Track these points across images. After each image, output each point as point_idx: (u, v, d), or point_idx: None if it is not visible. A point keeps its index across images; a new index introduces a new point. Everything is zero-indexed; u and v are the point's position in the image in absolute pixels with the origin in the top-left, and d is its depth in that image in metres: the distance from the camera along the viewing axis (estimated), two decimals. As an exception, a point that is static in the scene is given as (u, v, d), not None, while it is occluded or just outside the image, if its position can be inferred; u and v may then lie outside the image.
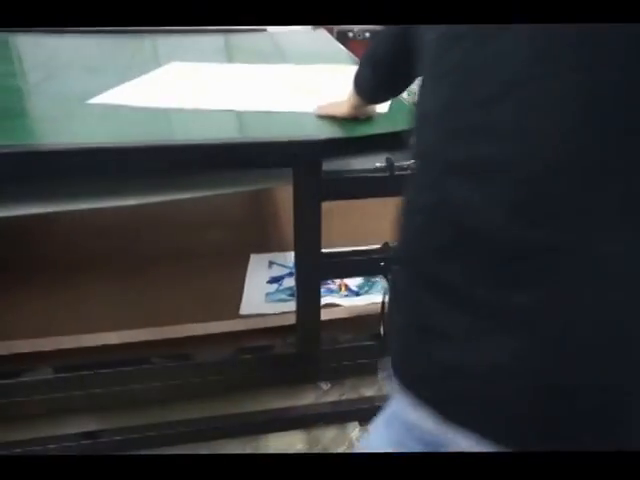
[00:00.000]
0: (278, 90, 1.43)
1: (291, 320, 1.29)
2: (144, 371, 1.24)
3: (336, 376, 1.50)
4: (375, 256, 1.20)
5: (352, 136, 1.06)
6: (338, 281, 1.54)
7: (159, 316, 1.39)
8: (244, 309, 1.44)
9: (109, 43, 1.78)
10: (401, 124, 1.13)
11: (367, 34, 2.04)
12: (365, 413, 1.46)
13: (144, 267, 1.62)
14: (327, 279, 1.19)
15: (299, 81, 1.53)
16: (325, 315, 1.26)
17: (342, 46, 1.91)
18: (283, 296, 1.52)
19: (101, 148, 0.95)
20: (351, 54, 1.83)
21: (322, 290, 1.50)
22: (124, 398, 1.26)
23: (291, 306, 1.34)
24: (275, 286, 1.54)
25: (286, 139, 0.99)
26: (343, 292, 1.53)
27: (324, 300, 1.47)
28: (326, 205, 1.07)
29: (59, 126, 1.11)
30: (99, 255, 1.68)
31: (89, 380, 1.21)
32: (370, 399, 1.53)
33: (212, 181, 1.06)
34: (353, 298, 1.50)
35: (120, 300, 1.48)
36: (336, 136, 1.03)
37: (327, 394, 1.59)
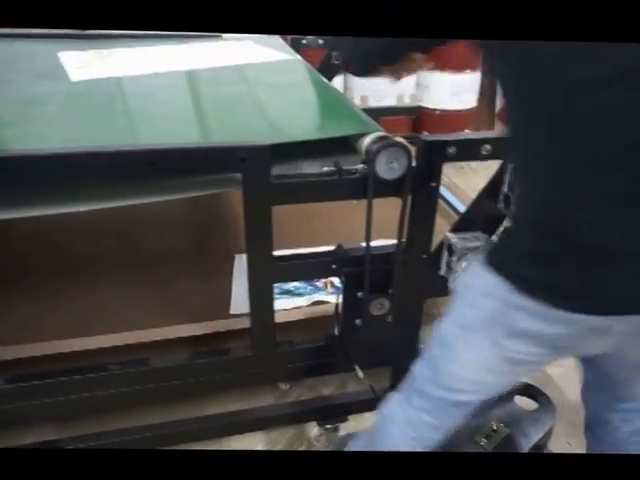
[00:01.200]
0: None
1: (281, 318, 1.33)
2: (102, 378, 1.24)
3: (295, 376, 1.53)
4: (328, 258, 1.22)
5: (300, 141, 1.08)
6: (324, 279, 1.59)
7: (122, 321, 1.39)
8: (234, 309, 1.47)
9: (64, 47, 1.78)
10: (348, 130, 1.17)
11: (320, 41, 2.07)
12: (323, 412, 1.50)
13: (117, 271, 1.62)
14: (280, 282, 1.21)
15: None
16: (280, 317, 1.28)
17: (294, 51, 1.94)
18: None
19: (56, 154, 0.96)
20: (303, 60, 1.85)
21: (309, 288, 1.57)
22: (83, 406, 1.26)
23: (279, 304, 1.38)
24: None
25: (234, 144, 1.00)
26: (329, 289, 1.58)
27: (313, 298, 1.53)
28: (283, 208, 1.10)
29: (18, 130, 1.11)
30: (62, 261, 1.67)
31: (46, 389, 1.20)
32: (328, 398, 1.56)
33: (171, 185, 1.07)
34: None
35: (87, 306, 1.48)
36: (284, 141, 1.05)
37: (287, 395, 1.62)
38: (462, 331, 0.86)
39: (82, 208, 1.04)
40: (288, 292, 1.57)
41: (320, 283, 1.59)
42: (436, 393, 0.91)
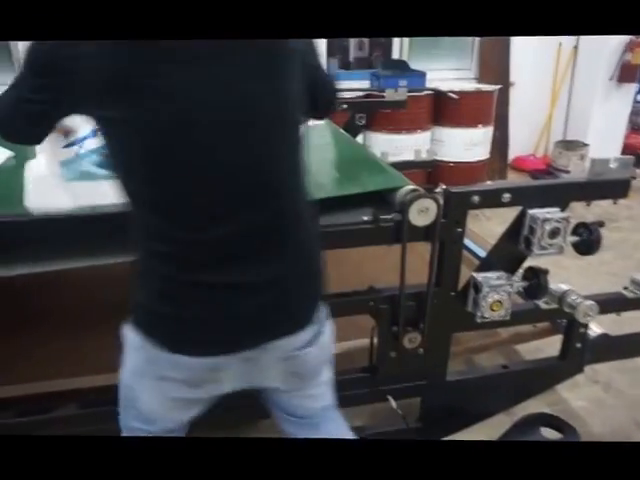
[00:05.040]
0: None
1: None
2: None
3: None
4: (367, 296, 1.37)
5: (341, 195, 1.26)
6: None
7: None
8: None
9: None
10: (382, 184, 1.36)
11: (344, 105, 2.30)
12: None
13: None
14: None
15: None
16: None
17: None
18: None
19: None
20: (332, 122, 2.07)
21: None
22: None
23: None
24: None
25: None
26: None
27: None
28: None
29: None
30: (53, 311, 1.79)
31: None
32: (360, 429, 1.66)
33: None
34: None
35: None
36: (327, 196, 1.23)
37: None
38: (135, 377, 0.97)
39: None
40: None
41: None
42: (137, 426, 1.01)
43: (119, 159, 0.82)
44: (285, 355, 0.95)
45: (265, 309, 0.89)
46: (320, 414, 1.12)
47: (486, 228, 2.95)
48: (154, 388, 0.94)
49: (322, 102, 1.05)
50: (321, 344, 1.00)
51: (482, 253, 2.12)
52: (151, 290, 0.88)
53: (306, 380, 1.03)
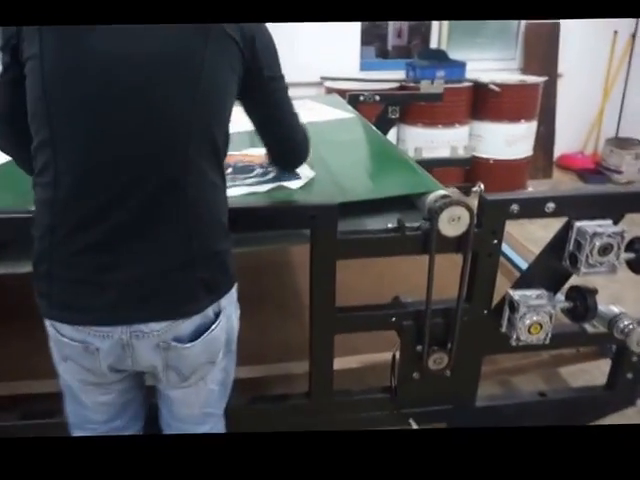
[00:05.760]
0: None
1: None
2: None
3: (347, 426, 1.52)
4: (389, 311, 1.24)
5: (364, 199, 1.13)
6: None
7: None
8: None
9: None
10: (410, 189, 1.22)
11: (377, 97, 2.15)
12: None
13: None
14: (341, 332, 1.24)
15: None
16: (337, 365, 1.29)
17: (351, 107, 2.01)
18: None
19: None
20: (359, 113, 1.93)
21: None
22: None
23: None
24: None
25: (305, 203, 1.07)
26: None
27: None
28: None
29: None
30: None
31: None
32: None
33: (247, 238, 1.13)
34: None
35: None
36: (350, 200, 1.11)
37: (339, 444, 1.61)
38: None
39: None
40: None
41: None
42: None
43: (31, 98, 0.83)
44: (164, 345, 0.89)
45: (134, 283, 0.85)
46: (199, 421, 1.06)
47: (526, 231, 2.76)
48: (68, 371, 0.94)
49: (277, 133, 1.04)
50: (208, 341, 0.92)
51: (520, 261, 1.96)
52: (36, 247, 0.87)
53: (186, 379, 0.96)
